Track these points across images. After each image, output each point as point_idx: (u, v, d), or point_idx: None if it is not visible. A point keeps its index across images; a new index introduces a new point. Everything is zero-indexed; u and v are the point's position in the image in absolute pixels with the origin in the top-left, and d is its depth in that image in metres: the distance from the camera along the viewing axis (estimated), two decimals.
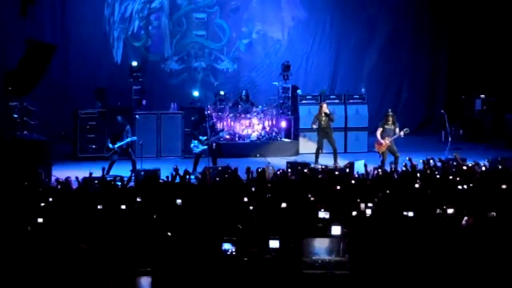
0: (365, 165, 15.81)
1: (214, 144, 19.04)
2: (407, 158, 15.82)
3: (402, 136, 18.91)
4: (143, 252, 7.63)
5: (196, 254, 6.39)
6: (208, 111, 20.74)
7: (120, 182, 14.17)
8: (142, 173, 16.37)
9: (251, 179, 14.10)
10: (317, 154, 19.67)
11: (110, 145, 18.10)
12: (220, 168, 16.82)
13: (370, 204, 10.33)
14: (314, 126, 19.85)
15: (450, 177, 13.78)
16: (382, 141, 18.97)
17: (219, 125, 21.61)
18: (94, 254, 6.36)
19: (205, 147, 18.65)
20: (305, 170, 15.79)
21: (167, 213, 9.70)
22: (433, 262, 6.66)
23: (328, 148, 19.92)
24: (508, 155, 18.55)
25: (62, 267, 6.24)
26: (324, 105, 19.82)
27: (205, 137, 18.62)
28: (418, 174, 14.47)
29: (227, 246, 5.98)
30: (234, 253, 5.80)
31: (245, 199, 11.02)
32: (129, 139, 18.15)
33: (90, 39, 22.93)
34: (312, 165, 17.91)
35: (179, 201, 10.45)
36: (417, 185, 12.81)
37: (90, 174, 14.58)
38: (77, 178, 14.09)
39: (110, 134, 18.80)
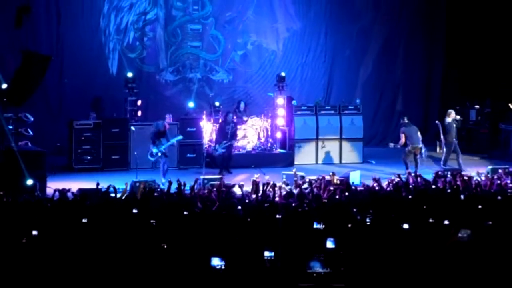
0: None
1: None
2: (407, 171, 15.88)
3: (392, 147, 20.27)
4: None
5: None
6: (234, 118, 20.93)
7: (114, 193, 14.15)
8: (138, 184, 16.35)
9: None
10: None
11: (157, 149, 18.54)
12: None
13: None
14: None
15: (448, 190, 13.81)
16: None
17: (212, 136, 21.66)
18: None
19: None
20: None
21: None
22: (429, 272, 6.66)
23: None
24: (503, 166, 18.61)
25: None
26: (453, 112, 20.91)
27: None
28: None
29: (215, 261, 5.77)
30: (223, 267, 5.61)
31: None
32: (174, 140, 18.89)
33: (85, 50, 22.89)
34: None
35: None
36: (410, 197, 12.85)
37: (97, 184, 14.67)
38: (70, 191, 14.08)
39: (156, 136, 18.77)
